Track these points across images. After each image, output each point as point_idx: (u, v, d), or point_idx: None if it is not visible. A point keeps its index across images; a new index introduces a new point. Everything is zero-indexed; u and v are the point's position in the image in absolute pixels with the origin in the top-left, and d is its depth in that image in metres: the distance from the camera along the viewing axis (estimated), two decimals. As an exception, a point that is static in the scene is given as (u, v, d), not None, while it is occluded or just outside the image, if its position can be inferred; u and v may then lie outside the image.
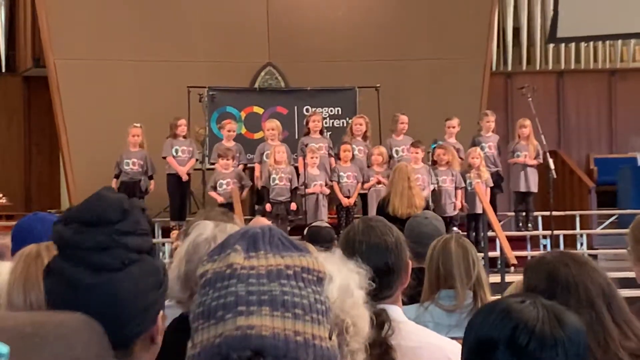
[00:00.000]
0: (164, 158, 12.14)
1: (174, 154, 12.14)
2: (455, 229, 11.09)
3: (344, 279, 1.81)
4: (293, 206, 11.51)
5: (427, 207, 10.00)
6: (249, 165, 12.33)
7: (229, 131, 12.26)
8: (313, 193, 11.49)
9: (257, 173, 12.12)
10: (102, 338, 1.50)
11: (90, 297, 1.66)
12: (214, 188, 11.62)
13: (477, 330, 1.93)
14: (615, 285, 2.49)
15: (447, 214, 11.30)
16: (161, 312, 1.78)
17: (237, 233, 1.40)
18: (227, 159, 11.66)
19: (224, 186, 11.55)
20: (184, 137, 12.27)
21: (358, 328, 1.85)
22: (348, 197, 11.63)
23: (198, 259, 2.60)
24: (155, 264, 1.78)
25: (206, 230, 2.73)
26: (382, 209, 9.75)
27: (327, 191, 11.66)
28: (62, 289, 1.69)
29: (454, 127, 12.56)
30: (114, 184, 11.90)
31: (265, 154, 11.96)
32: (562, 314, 1.92)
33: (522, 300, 1.94)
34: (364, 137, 12.30)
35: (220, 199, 11.48)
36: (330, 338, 1.35)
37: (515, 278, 4.55)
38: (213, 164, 12.15)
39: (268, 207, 11.48)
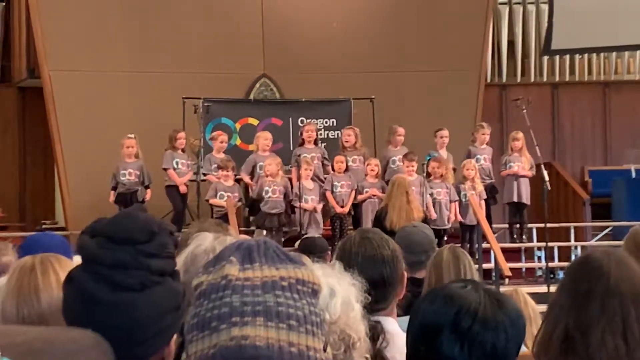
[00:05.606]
0: (165, 170, 12.13)
1: (175, 166, 12.15)
2: None
3: (344, 293, 1.80)
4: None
5: (424, 220, 9.96)
6: (236, 177, 12.30)
7: (221, 142, 12.26)
8: (306, 210, 11.50)
9: (247, 181, 12.11)
10: (110, 358, 1.49)
11: (106, 314, 1.66)
12: (215, 197, 11.64)
13: (422, 317, 1.99)
14: None
15: (441, 227, 11.30)
16: (175, 335, 1.77)
17: (232, 245, 1.40)
18: (228, 171, 11.67)
19: (225, 197, 11.55)
20: (182, 150, 12.29)
21: (361, 342, 1.84)
22: (342, 207, 11.62)
23: (196, 270, 2.59)
24: (176, 288, 1.77)
25: (205, 241, 2.72)
26: (379, 221, 9.72)
27: (320, 207, 11.66)
28: (79, 301, 1.69)
29: (446, 137, 12.57)
30: (112, 196, 11.91)
31: (258, 165, 11.95)
32: (503, 298, 1.99)
33: (464, 286, 2.00)
34: (355, 148, 12.29)
35: (222, 203, 11.48)
36: (324, 350, 1.35)
37: (509, 290, 4.52)
38: (206, 174, 12.14)
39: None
